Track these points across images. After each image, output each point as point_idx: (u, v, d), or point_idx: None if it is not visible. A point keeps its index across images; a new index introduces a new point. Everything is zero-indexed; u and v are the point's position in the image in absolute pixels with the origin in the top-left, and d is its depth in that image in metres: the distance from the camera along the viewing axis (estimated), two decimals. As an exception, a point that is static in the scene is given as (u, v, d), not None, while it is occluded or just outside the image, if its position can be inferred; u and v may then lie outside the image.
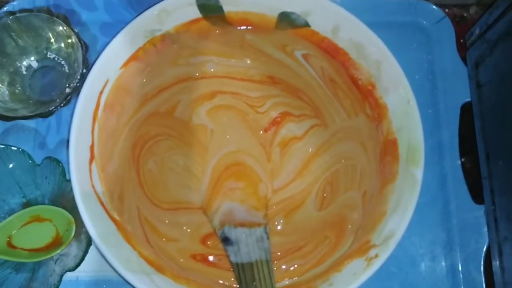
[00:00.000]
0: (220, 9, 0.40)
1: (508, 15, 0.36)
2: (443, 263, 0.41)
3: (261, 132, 0.40)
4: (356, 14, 0.46)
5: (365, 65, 0.39)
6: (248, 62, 0.41)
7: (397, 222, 0.34)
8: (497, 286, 0.38)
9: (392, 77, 0.38)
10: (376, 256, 0.34)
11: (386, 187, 0.37)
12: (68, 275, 0.38)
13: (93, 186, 0.36)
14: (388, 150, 0.38)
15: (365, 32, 0.38)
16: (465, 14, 0.48)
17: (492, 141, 0.38)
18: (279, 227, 0.38)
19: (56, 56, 0.43)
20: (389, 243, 0.34)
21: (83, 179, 0.35)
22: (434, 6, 0.47)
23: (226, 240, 0.36)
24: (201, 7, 0.40)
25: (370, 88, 0.39)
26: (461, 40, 0.46)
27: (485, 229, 0.41)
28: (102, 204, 0.36)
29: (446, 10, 0.48)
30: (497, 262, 0.37)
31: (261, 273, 0.34)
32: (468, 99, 0.44)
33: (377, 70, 0.39)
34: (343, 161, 0.39)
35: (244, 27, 0.41)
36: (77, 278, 0.39)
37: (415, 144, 0.36)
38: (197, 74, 0.41)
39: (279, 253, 0.37)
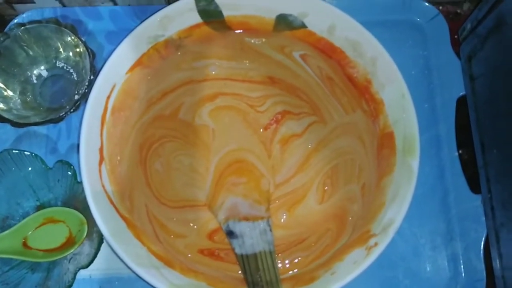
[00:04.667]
0: (220, 14, 0.42)
1: (496, 10, 0.37)
2: (444, 252, 0.42)
3: (262, 130, 0.41)
4: (352, 13, 0.47)
5: (361, 62, 0.41)
6: (248, 64, 0.43)
7: (395, 211, 0.35)
8: (496, 272, 0.39)
9: (387, 73, 0.39)
10: (376, 244, 0.35)
11: (384, 179, 0.38)
12: (82, 273, 0.40)
13: (103, 186, 0.37)
14: (385, 143, 0.39)
15: (360, 31, 0.40)
16: (458, 11, 0.50)
17: (487, 131, 0.39)
18: (282, 220, 0.39)
19: (65, 65, 0.45)
20: (388, 231, 0.35)
21: (94, 180, 0.37)
22: (427, 4, 0.48)
23: (231, 234, 0.37)
24: (202, 13, 0.41)
25: (366, 84, 0.41)
26: (455, 36, 0.47)
27: (484, 218, 0.42)
28: (112, 203, 0.37)
29: (440, 8, 0.49)
30: (495, 249, 0.38)
31: (265, 263, 0.36)
32: (463, 93, 0.45)
33: (372, 66, 0.40)
34: (342, 155, 0.40)
35: (244, 30, 0.43)
36: (90, 276, 0.41)
37: (410, 136, 0.37)
38: (199, 77, 0.42)
39: (283, 246, 0.38)
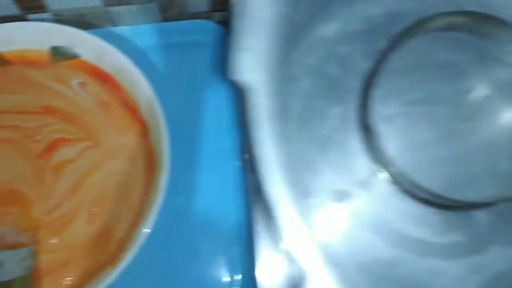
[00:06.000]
0: (-9, 50, 0.43)
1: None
2: (223, 259, 0.45)
3: (36, 159, 0.43)
4: (145, 38, 0.50)
5: (128, 86, 0.43)
6: (27, 95, 0.44)
7: (143, 226, 0.38)
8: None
9: (146, 96, 0.42)
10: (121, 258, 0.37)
11: (146, 197, 0.41)
12: None
13: None
14: (151, 163, 0.42)
15: (119, 58, 0.43)
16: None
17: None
18: (50, 245, 0.41)
19: None
20: (133, 245, 0.37)
21: None
22: (214, 24, 0.51)
23: (-9, 264, 0.39)
24: (-27, 50, 0.43)
25: (135, 107, 0.43)
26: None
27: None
28: None
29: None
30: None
31: (21, 288, 0.38)
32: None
33: (136, 91, 0.43)
34: (113, 177, 0.43)
35: (23, 64, 0.45)
36: None
37: (161, 155, 0.40)
38: (-24, 113, 0.44)
39: (47, 270, 0.40)
